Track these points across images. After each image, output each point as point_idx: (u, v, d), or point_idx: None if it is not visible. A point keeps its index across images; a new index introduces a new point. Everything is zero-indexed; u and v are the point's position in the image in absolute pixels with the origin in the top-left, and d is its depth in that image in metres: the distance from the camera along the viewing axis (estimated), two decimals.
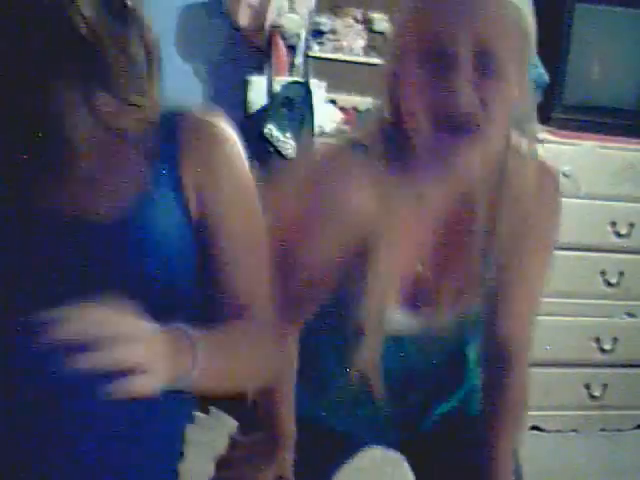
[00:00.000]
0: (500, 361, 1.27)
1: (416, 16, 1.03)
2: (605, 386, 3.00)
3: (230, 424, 2.23)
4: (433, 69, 1.00)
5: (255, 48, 2.92)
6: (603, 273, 2.90)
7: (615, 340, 2.97)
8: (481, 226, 1.14)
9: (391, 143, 1.08)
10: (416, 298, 1.17)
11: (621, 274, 2.91)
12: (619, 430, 3.04)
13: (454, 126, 1.01)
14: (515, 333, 1.25)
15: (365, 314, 1.12)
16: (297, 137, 2.89)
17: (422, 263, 1.16)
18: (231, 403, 1.18)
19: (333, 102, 3.20)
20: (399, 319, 1.18)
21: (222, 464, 1.30)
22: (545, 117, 2.79)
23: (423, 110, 1.02)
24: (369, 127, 1.12)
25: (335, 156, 1.12)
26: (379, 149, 1.08)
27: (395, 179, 1.08)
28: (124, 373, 0.78)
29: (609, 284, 2.91)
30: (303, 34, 2.94)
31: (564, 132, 2.84)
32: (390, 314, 1.15)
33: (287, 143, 2.87)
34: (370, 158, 1.07)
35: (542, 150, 1.17)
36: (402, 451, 1.48)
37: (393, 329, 1.17)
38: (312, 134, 2.92)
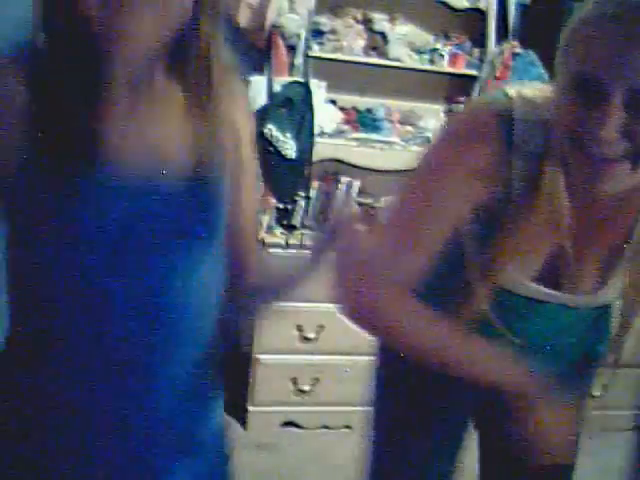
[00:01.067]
0: None
1: (579, 44, 1.07)
2: (605, 386, 3.00)
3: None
4: (586, 97, 1.04)
5: (255, 48, 2.93)
6: None
7: None
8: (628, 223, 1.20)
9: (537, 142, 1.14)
10: (557, 275, 1.24)
11: None
12: (619, 430, 3.05)
13: (596, 153, 1.05)
14: None
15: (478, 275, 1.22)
16: (297, 137, 2.89)
17: (569, 246, 1.21)
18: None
19: (333, 102, 3.20)
20: (537, 289, 1.25)
21: None
22: None
23: (569, 132, 1.07)
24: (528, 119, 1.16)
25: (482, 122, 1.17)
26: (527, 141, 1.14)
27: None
28: None
29: None
30: (303, 34, 2.94)
31: None
32: (525, 283, 1.24)
33: (287, 143, 2.87)
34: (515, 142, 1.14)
35: None
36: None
37: (533, 296, 1.26)
38: (312, 133, 2.93)
